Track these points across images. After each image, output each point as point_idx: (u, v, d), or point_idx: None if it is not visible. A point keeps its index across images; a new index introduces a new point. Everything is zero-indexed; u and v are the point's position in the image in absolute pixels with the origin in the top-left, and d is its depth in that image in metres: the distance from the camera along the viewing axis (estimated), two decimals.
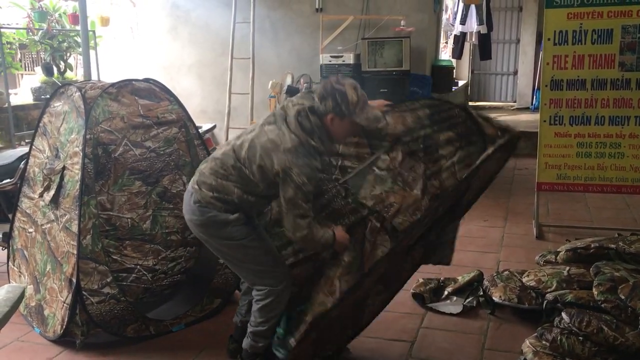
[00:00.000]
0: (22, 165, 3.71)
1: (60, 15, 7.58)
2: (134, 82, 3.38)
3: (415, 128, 2.70)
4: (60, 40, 7.56)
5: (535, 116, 6.49)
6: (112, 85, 3.29)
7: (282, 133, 2.48)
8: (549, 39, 4.50)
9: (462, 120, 2.64)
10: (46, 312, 3.23)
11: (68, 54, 7.80)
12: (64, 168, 3.20)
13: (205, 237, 2.65)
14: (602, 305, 2.90)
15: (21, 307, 3.33)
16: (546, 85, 4.58)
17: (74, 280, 3.02)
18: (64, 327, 3.07)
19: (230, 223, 2.56)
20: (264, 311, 2.65)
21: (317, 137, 2.50)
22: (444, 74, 8.07)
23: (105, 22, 8.09)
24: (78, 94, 3.23)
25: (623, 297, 2.89)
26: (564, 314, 2.92)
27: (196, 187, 2.62)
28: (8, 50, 7.31)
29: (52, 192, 3.22)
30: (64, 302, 3.08)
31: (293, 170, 2.41)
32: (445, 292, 3.63)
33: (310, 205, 2.48)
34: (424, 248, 2.79)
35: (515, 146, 2.51)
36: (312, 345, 2.65)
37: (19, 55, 8.86)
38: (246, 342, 2.77)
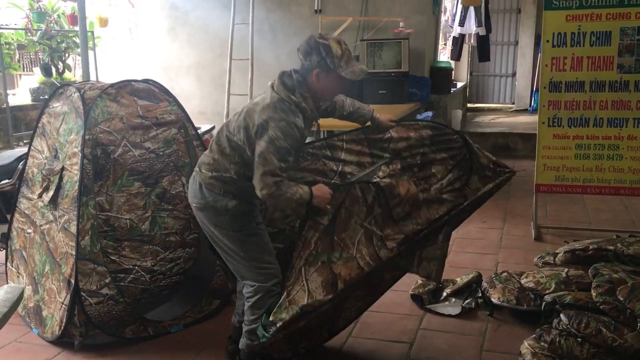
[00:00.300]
0: (20, 166, 3.70)
1: (58, 16, 7.58)
2: (133, 82, 3.38)
3: (415, 145, 2.81)
4: (59, 40, 7.56)
5: (534, 118, 6.51)
6: (111, 85, 3.29)
7: (266, 94, 2.52)
8: (547, 41, 4.49)
9: (458, 146, 2.78)
10: (44, 313, 3.22)
11: (66, 55, 7.80)
12: (62, 169, 3.20)
13: (205, 222, 2.66)
14: (601, 307, 2.90)
15: (19, 308, 3.32)
16: (545, 87, 4.58)
17: (73, 281, 3.02)
18: (63, 328, 3.06)
19: (229, 211, 2.56)
20: (254, 308, 2.64)
21: (299, 93, 2.49)
22: (442, 75, 8.09)
23: (104, 22, 8.09)
24: (77, 94, 3.23)
25: (621, 299, 2.89)
26: (562, 316, 2.92)
27: (197, 169, 2.66)
28: (6, 51, 7.30)
29: (50, 193, 3.22)
30: (63, 303, 3.08)
31: (269, 124, 2.40)
32: (444, 294, 3.63)
33: (283, 166, 2.40)
34: (398, 267, 2.86)
35: (506, 182, 2.79)
36: (293, 335, 2.61)
37: (17, 56, 8.86)
38: (242, 342, 2.76)
